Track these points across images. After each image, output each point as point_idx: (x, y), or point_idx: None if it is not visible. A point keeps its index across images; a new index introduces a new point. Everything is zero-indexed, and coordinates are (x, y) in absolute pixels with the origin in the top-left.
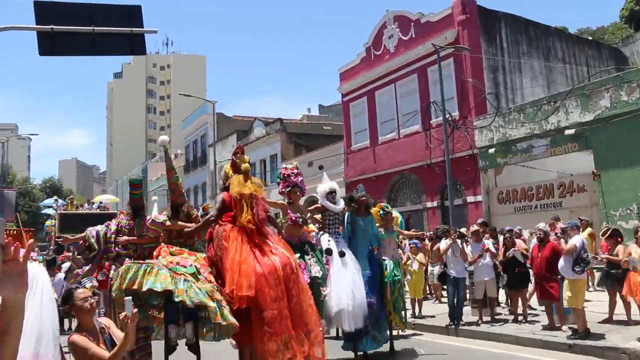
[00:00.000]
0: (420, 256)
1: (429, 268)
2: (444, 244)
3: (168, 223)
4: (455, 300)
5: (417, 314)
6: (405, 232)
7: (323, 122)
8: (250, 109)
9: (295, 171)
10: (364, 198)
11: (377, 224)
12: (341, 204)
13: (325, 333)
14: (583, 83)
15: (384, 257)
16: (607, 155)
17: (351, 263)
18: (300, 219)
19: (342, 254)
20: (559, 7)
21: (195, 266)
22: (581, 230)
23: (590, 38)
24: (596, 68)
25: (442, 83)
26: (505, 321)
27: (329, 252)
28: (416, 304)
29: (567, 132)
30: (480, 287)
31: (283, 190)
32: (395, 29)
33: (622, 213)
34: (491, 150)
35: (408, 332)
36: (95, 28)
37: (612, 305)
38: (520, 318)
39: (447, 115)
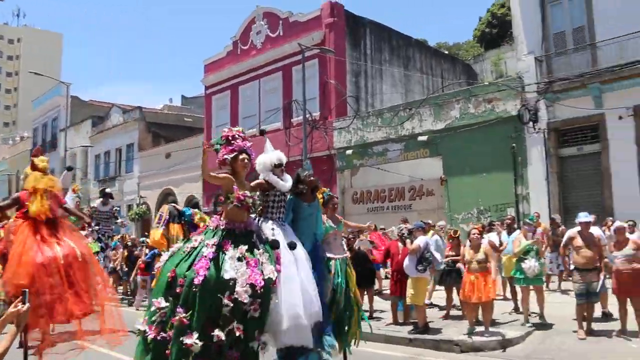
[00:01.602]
0: None
1: None
2: None
3: None
4: None
5: None
6: (353, 223)
7: (185, 113)
8: (109, 95)
9: (242, 134)
10: (312, 178)
11: None
12: (289, 181)
13: (265, 350)
14: (437, 93)
15: (329, 255)
16: (455, 162)
17: (303, 259)
18: (250, 200)
19: (292, 246)
20: (421, 20)
21: None
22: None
23: (447, 52)
24: (450, 80)
25: (305, 83)
26: None
27: (274, 245)
28: None
29: (420, 138)
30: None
31: (226, 157)
32: (263, 25)
33: (465, 216)
34: (348, 152)
35: None
36: None
37: (450, 301)
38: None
39: (307, 115)
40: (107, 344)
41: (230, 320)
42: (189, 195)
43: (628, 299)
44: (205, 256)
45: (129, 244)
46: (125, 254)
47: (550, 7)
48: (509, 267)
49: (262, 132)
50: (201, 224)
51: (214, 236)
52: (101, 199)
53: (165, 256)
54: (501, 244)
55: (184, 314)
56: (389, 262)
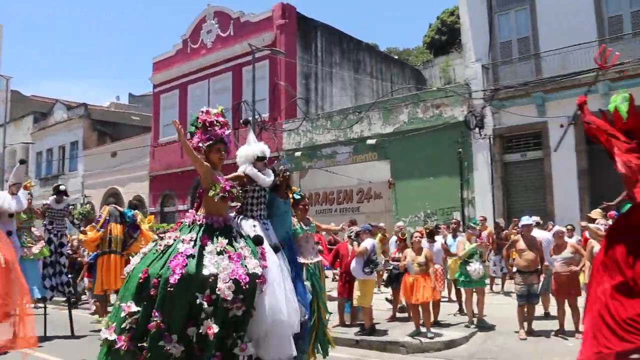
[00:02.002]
0: None
1: None
2: None
3: None
4: None
5: None
6: (324, 225)
7: (132, 111)
8: (53, 90)
9: (221, 119)
10: (287, 174)
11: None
12: (272, 176)
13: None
14: (386, 98)
15: (302, 260)
16: (402, 166)
17: (284, 264)
18: (236, 190)
19: (276, 249)
20: (372, 25)
21: None
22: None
23: (397, 57)
24: (399, 85)
25: (255, 83)
26: None
27: (258, 240)
28: None
29: (369, 141)
30: None
31: (200, 145)
32: (214, 24)
33: (412, 219)
34: (297, 154)
35: None
36: None
37: (396, 303)
38: None
39: (257, 116)
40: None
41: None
42: (135, 195)
43: (566, 300)
44: (182, 252)
45: (70, 252)
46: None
47: (497, 17)
48: (454, 270)
49: (246, 123)
50: (143, 226)
51: (190, 231)
52: (54, 196)
53: (136, 258)
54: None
55: (160, 318)
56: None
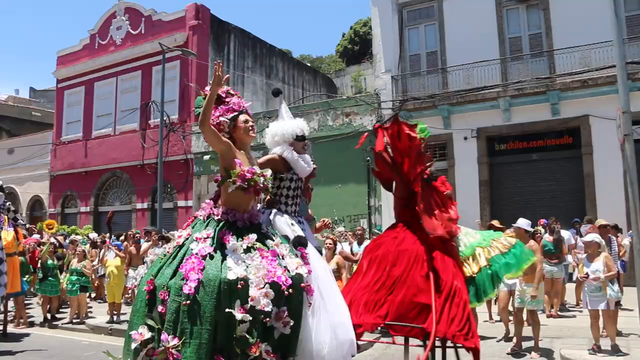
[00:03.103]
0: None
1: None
2: (145, 245)
3: None
4: None
5: (115, 320)
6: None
7: (33, 107)
8: None
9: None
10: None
11: None
12: (311, 164)
13: None
14: (297, 104)
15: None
16: None
17: (327, 273)
18: (260, 178)
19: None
20: (286, 31)
21: None
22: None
23: (309, 65)
24: (310, 92)
25: (165, 84)
26: None
27: (300, 243)
28: (114, 309)
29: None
30: None
31: (221, 119)
32: (125, 20)
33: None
34: (206, 157)
35: None
36: None
37: None
38: None
39: (165, 118)
40: None
41: (252, 345)
42: (34, 195)
43: None
44: (197, 254)
45: None
46: None
47: (407, 30)
48: None
49: (277, 93)
50: (21, 231)
51: (206, 227)
52: None
53: (141, 269)
54: (354, 254)
55: (172, 343)
56: None
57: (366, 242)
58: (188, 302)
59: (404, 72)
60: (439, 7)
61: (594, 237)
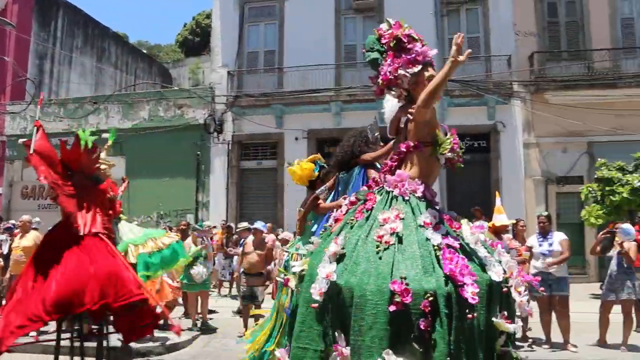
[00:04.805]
0: None
1: None
2: None
3: None
4: None
5: None
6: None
7: None
8: None
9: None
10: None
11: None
12: None
13: None
14: (128, 92)
15: None
16: (138, 164)
17: None
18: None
19: None
20: (125, 14)
21: None
22: None
23: (146, 52)
24: (144, 80)
25: None
26: None
27: None
28: None
29: (105, 135)
30: None
31: (400, 72)
32: None
33: (144, 220)
34: (22, 140)
35: None
36: None
37: None
38: None
39: None
40: None
41: None
42: None
43: None
44: (451, 247)
45: None
46: None
47: (248, 26)
48: (180, 273)
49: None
50: None
51: (406, 205)
52: None
53: (313, 283)
54: None
55: None
56: None
57: (188, 238)
58: (471, 315)
59: (240, 68)
60: (280, 7)
61: None
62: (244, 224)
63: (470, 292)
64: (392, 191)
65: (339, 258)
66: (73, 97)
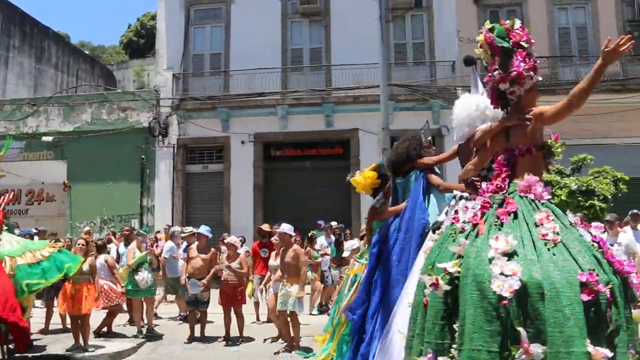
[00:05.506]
0: None
1: None
2: None
3: None
4: None
5: None
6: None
7: None
8: None
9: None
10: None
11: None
12: None
13: None
14: (69, 94)
15: None
16: (80, 168)
17: None
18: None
19: None
20: (66, 13)
21: None
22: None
23: (88, 53)
24: (85, 82)
25: None
26: None
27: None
28: None
29: (45, 138)
30: None
31: (525, 74)
32: None
33: (87, 225)
34: None
35: None
36: None
37: (49, 315)
38: None
39: None
40: None
41: None
42: None
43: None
44: (597, 242)
45: None
46: None
47: (193, 29)
48: (124, 278)
49: (470, 62)
50: None
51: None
52: None
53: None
54: (119, 256)
55: None
56: None
57: (133, 244)
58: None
59: (186, 70)
60: (226, 10)
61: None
62: (189, 229)
63: (637, 282)
64: (527, 196)
65: (509, 256)
66: (10, 98)
